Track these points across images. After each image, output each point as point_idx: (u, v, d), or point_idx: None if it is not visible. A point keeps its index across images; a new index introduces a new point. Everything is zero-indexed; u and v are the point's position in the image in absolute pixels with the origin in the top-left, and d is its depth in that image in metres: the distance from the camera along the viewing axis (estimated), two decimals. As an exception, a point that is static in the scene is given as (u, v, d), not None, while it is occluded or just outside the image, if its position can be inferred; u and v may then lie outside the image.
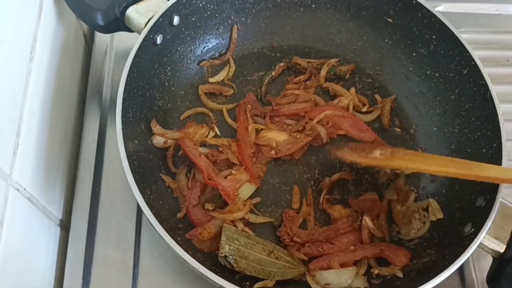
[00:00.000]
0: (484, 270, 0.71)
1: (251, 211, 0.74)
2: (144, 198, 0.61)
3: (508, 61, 0.97)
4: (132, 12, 0.75)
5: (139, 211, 0.75)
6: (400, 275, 0.68)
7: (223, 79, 0.86)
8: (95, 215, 0.74)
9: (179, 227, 0.70)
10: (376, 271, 0.69)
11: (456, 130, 0.79)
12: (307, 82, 0.87)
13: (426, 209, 0.75)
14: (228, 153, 0.76)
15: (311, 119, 0.81)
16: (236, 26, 0.86)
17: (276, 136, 0.79)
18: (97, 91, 0.85)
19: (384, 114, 0.84)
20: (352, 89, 0.86)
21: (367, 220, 0.72)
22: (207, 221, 0.71)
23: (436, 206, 0.74)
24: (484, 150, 0.72)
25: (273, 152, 0.78)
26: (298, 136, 0.79)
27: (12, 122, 0.60)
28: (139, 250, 0.73)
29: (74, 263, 0.71)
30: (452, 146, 0.79)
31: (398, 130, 0.84)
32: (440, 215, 0.73)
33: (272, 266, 0.67)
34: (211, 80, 0.86)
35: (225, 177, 0.74)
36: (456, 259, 0.61)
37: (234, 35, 0.87)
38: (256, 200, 0.75)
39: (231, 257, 0.64)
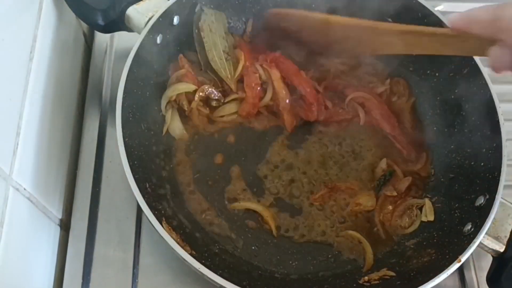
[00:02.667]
0: (484, 270, 0.72)
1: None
2: (144, 198, 0.61)
3: (508, 60, 0.97)
4: (132, 11, 0.75)
5: (139, 211, 0.75)
6: (392, 274, 0.67)
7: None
8: (95, 215, 0.74)
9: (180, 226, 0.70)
10: (366, 278, 0.68)
11: (456, 130, 0.79)
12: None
13: (421, 209, 0.75)
14: None
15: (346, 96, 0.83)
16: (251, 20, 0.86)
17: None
18: (97, 91, 0.85)
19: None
20: (388, 80, 0.86)
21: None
22: None
23: (430, 208, 0.74)
24: (484, 150, 0.72)
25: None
26: (340, 111, 0.82)
27: (12, 122, 0.60)
28: (139, 250, 0.73)
29: (74, 262, 0.71)
30: (452, 146, 0.79)
31: (398, 129, 0.84)
32: (431, 218, 0.73)
33: None
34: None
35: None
36: (456, 258, 0.61)
37: (249, 28, 0.86)
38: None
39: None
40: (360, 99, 0.83)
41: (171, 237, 0.63)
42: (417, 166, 0.80)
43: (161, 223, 0.60)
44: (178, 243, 0.63)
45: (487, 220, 0.63)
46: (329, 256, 0.73)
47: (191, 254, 0.59)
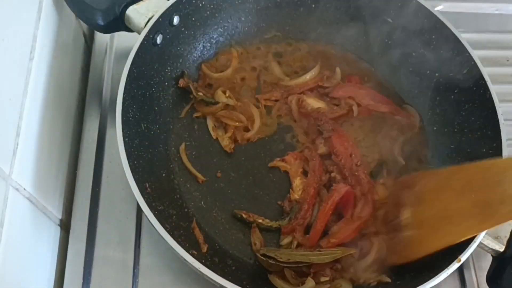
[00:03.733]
0: (484, 270, 0.72)
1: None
2: (144, 198, 0.61)
3: (508, 60, 0.97)
4: (132, 12, 0.75)
5: (139, 211, 0.75)
6: (388, 280, 0.67)
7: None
8: (95, 215, 0.74)
9: (180, 226, 0.70)
10: (361, 280, 0.68)
11: (456, 130, 0.79)
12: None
13: None
14: None
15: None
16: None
17: (314, 103, 0.83)
18: (97, 91, 0.85)
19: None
20: None
21: None
22: None
23: None
24: (484, 150, 0.72)
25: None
26: (334, 108, 0.83)
27: (12, 122, 0.60)
28: (139, 250, 0.73)
29: (74, 263, 0.71)
30: (452, 146, 0.79)
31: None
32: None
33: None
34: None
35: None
36: (455, 258, 0.61)
37: None
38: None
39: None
40: (349, 94, 0.84)
41: (195, 235, 0.67)
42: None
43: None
44: (199, 241, 0.67)
45: (487, 220, 0.63)
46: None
47: (191, 254, 0.59)
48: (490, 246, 0.65)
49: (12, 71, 0.61)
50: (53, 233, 0.73)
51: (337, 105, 0.83)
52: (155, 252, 0.73)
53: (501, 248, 0.65)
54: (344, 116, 0.83)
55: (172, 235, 0.60)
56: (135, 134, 0.69)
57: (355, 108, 0.83)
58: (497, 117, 0.70)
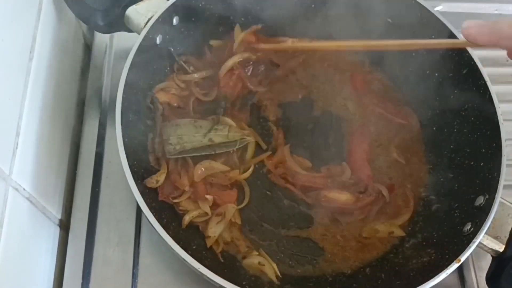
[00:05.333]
0: (483, 270, 0.72)
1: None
2: (144, 198, 0.61)
3: (507, 61, 0.97)
4: (132, 12, 0.75)
5: (139, 211, 0.75)
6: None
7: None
8: (94, 215, 0.74)
9: (180, 226, 0.70)
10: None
11: (455, 130, 0.79)
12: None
13: None
14: None
15: None
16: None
17: (338, 196, 0.76)
18: (97, 91, 0.85)
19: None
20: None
21: None
22: None
23: None
24: (483, 150, 0.72)
25: None
26: (360, 196, 0.76)
27: (12, 122, 0.60)
28: (138, 250, 0.73)
29: (73, 263, 0.71)
30: (451, 146, 0.79)
31: (397, 130, 0.85)
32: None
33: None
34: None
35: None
36: (455, 258, 0.61)
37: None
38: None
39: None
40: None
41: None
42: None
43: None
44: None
45: (486, 220, 0.63)
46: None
47: (191, 255, 0.59)
48: (490, 246, 0.65)
49: (11, 71, 0.61)
50: (53, 233, 0.73)
51: (362, 192, 0.76)
52: (154, 252, 0.73)
53: (501, 248, 0.65)
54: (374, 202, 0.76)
55: (171, 235, 0.60)
56: (135, 134, 0.69)
57: (385, 192, 0.76)
58: (497, 117, 0.70)
